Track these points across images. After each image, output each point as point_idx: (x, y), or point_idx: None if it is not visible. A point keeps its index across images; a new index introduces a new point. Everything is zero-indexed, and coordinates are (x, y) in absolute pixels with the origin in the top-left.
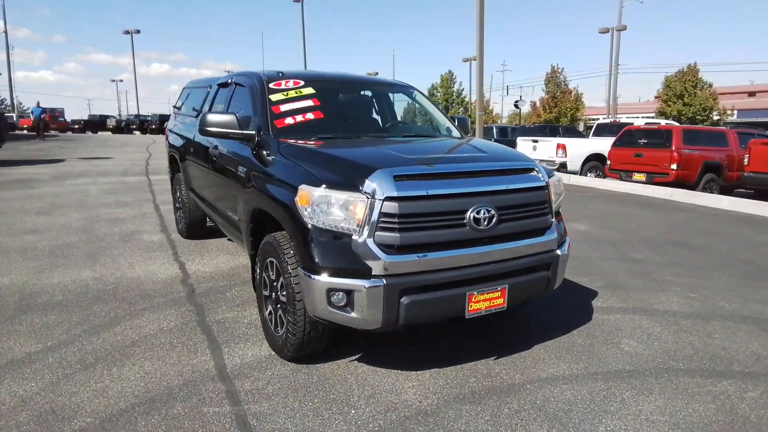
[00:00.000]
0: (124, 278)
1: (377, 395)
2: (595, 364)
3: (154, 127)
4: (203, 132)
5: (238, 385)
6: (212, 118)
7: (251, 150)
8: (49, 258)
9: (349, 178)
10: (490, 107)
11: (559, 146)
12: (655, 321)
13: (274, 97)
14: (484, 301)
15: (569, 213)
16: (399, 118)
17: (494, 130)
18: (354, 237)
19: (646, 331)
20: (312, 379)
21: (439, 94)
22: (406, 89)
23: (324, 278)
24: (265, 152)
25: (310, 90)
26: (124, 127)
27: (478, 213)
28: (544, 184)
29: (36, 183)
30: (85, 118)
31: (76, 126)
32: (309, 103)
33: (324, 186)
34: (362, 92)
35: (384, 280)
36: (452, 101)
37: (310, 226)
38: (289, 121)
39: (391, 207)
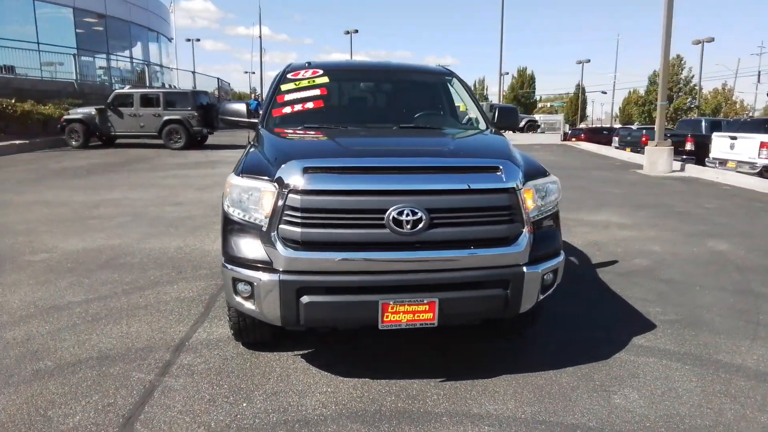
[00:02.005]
0: (197, 249)
1: (283, 393)
2: (555, 412)
3: None
4: (221, 120)
5: (181, 358)
6: (227, 106)
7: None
8: (164, 227)
9: (265, 168)
10: (734, 97)
11: (763, 145)
12: (695, 374)
13: (284, 87)
14: (405, 314)
15: (723, 227)
16: (425, 107)
17: (703, 124)
18: (263, 228)
19: (666, 384)
20: (244, 365)
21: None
22: (440, 77)
23: (231, 268)
24: (254, 140)
25: (324, 79)
26: None
27: (399, 214)
28: (506, 186)
29: (221, 164)
30: None
31: None
32: (315, 92)
33: (242, 175)
34: (386, 81)
35: (281, 275)
36: (678, 89)
37: (227, 214)
38: (286, 110)
39: (296, 200)
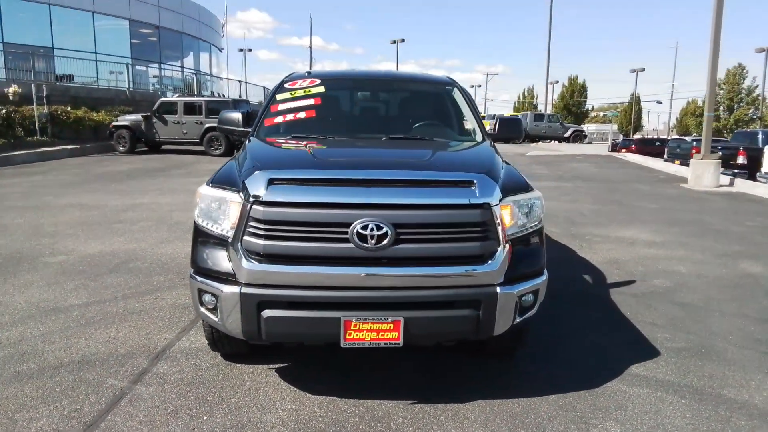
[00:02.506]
0: None
1: (246, 408)
2: None
3: None
4: (218, 129)
5: (157, 366)
6: (224, 115)
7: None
8: (182, 232)
9: (234, 179)
10: None
11: None
12: (690, 409)
13: (279, 97)
14: (368, 332)
15: (760, 248)
16: (421, 118)
17: (759, 136)
18: (229, 240)
19: (654, 419)
20: (216, 377)
21: (722, 91)
22: (440, 87)
23: (198, 278)
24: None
25: (320, 89)
26: None
27: (364, 228)
28: (478, 202)
29: None
30: None
31: None
32: (309, 102)
33: (211, 185)
34: (384, 91)
35: (242, 288)
36: (739, 99)
37: (196, 224)
38: (278, 120)
39: (259, 211)
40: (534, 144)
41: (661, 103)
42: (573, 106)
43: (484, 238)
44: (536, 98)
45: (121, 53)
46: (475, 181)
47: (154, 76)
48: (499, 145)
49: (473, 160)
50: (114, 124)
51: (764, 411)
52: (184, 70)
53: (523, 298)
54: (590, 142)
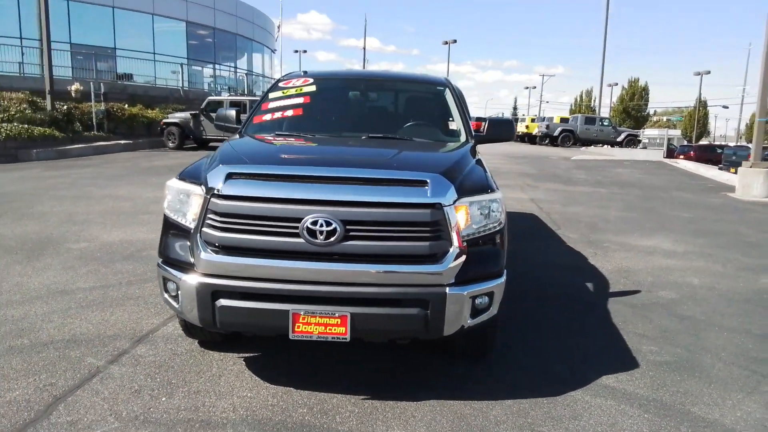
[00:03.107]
0: None
1: (204, 392)
2: None
3: None
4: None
5: (137, 348)
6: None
7: None
8: None
9: (199, 173)
10: None
11: None
12: (649, 424)
13: (272, 95)
14: (316, 326)
15: None
16: (409, 117)
17: None
18: (191, 231)
19: None
20: (187, 362)
21: None
22: (433, 87)
23: (163, 267)
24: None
25: (311, 88)
26: None
27: (313, 224)
28: (429, 202)
29: None
30: None
31: None
32: (298, 100)
33: (179, 178)
34: (376, 90)
35: (199, 277)
36: None
37: (164, 215)
38: (266, 117)
39: (216, 204)
40: (584, 148)
41: (727, 107)
42: (633, 109)
43: (435, 238)
44: (594, 101)
45: (177, 54)
46: (428, 181)
47: (210, 76)
48: (544, 149)
49: (435, 161)
50: (164, 121)
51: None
52: (237, 70)
53: (477, 299)
54: (645, 147)
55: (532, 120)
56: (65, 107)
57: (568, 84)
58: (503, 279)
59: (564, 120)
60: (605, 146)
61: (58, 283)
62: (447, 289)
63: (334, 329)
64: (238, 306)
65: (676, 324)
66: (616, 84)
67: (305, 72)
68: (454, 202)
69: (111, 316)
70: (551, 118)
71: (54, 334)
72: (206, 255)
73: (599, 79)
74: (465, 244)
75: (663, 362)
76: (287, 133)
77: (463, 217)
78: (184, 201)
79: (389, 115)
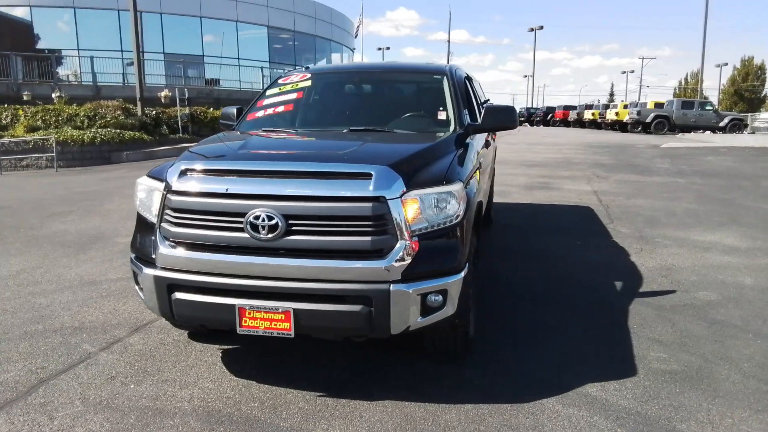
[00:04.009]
0: None
1: (171, 382)
2: None
3: (538, 119)
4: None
5: (131, 337)
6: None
7: None
8: None
9: (164, 170)
10: None
11: None
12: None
13: (269, 92)
14: (262, 320)
15: None
16: (401, 108)
17: None
18: (154, 226)
19: None
20: (169, 352)
21: None
22: (429, 77)
23: (133, 260)
24: None
25: (305, 84)
26: None
27: (256, 218)
28: (372, 195)
29: None
30: None
31: None
32: (291, 96)
33: (147, 175)
34: (372, 84)
35: (157, 271)
36: None
37: (137, 211)
38: (259, 114)
39: (171, 200)
40: (680, 135)
41: None
42: (746, 91)
43: (378, 233)
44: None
45: (260, 58)
46: (373, 174)
47: None
48: (634, 137)
49: (392, 153)
50: None
51: None
52: None
53: (428, 297)
54: (753, 132)
55: (625, 106)
56: (154, 112)
57: (675, 67)
58: (460, 276)
59: (658, 105)
60: (706, 132)
61: (91, 274)
62: (391, 286)
63: (279, 324)
64: (191, 299)
65: (703, 329)
66: (726, 64)
67: (307, 68)
68: (402, 195)
69: (122, 306)
70: (644, 104)
71: (66, 321)
72: (163, 249)
73: (715, 59)
74: (416, 239)
75: (667, 371)
76: (272, 128)
77: (412, 210)
78: (149, 197)
79: (380, 108)
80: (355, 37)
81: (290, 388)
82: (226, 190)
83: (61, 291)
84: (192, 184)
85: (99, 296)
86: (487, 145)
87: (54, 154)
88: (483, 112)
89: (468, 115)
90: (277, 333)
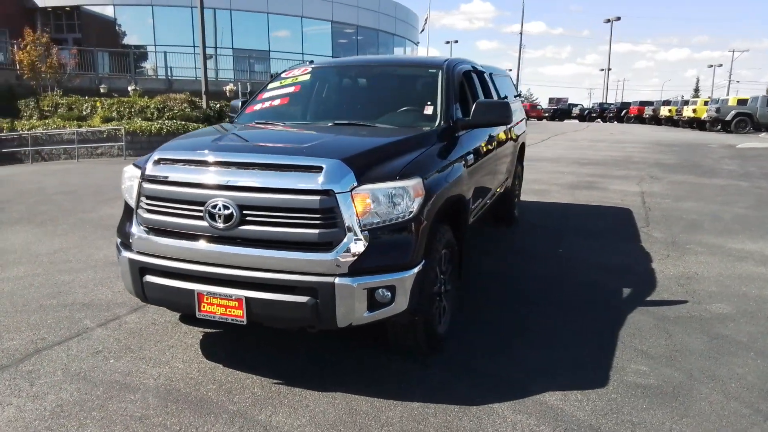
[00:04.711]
0: None
1: (146, 360)
2: None
3: (611, 115)
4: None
5: (129, 316)
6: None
7: None
8: None
9: (145, 159)
10: None
11: None
12: None
13: (270, 86)
14: (218, 306)
15: None
16: (390, 102)
17: None
18: (134, 212)
19: None
20: (157, 332)
21: None
22: (425, 70)
23: (117, 245)
24: None
25: (305, 78)
26: (586, 115)
27: (213, 207)
28: (321, 188)
29: None
30: (555, 107)
31: (546, 114)
32: (289, 90)
33: (132, 164)
34: (368, 78)
35: (132, 254)
36: None
37: (124, 198)
38: (257, 107)
39: (144, 187)
40: (766, 134)
41: None
42: None
43: (326, 226)
44: None
45: (323, 53)
46: (324, 167)
47: None
48: (710, 135)
49: (351, 146)
50: None
51: None
52: None
53: (377, 292)
54: None
55: (705, 102)
56: (218, 105)
57: None
58: (412, 272)
59: (741, 102)
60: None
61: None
62: (336, 279)
63: (233, 311)
64: (157, 283)
65: (701, 343)
66: None
67: (311, 61)
68: (352, 189)
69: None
70: (725, 100)
71: (79, 297)
72: (138, 234)
73: None
74: (366, 233)
75: (641, 385)
76: (263, 121)
77: (363, 205)
78: (131, 185)
79: (371, 102)
80: (422, 31)
81: (251, 374)
82: (189, 179)
83: (85, 270)
84: (162, 172)
85: (116, 276)
86: (496, 141)
87: (123, 144)
88: (474, 107)
89: (460, 111)
90: (231, 320)
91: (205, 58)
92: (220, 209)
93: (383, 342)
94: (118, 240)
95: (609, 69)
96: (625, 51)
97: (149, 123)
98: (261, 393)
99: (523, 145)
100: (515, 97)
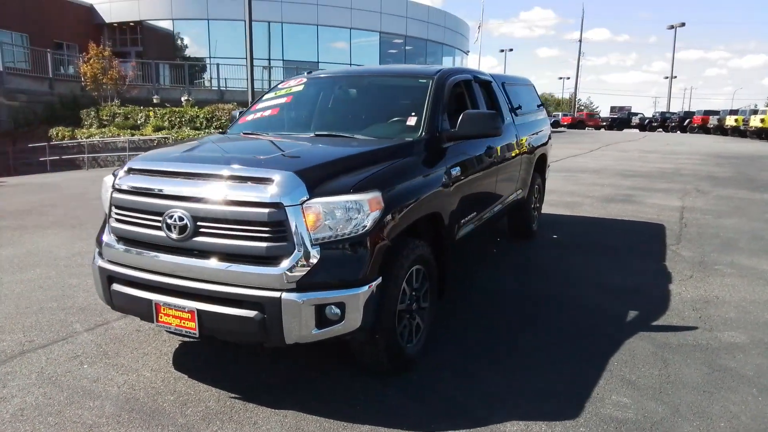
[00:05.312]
0: None
1: (118, 367)
2: None
3: (674, 125)
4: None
5: (118, 321)
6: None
7: None
8: None
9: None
10: None
11: None
12: None
13: (266, 96)
14: (173, 317)
15: None
16: (376, 114)
17: None
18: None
19: None
20: (139, 338)
21: None
22: (416, 81)
23: (95, 254)
24: None
25: (299, 88)
26: (646, 125)
27: (170, 218)
28: (270, 201)
29: None
30: (614, 116)
31: (604, 124)
32: (281, 101)
33: (111, 175)
34: (357, 89)
35: (102, 262)
36: None
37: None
38: (249, 117)
39: (114, 197)
40: None
41: None
42: None
43: (274, 239)
44: None
45: (371, 62)
46: (274, 179)
47: None
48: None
49: (309, 158)
50: None
51: None
52: None
53: (326, 308)
54: None
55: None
56: None
57: None
58: (363, 289)
59: None
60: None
61: None
62: (283, 294)
63: (186, 323)
64: (122, 291)
65: (699, 376)
66: None
67: (310, 72)
68: (303, 202)
69: None
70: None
71: (78, 302)
72: (107, 242)
73: None
74: (317, 248)
75: (617, 419)
76: (250, 132)
77: (313, 219)
78: (106, 194)
79: (356, 113)
80: (475, 40)
81: (213, 387)
82: (150, 189)
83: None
84: (129, 182)
85: None
86: (499, 152)
87: None
88: (460, 118)
89: (447, 122)
90: (185, 331)
91: (252, 69)
92: (175, 220)
93: (349, 359)
94: (96, 249)
95: (674, 77)
96: (695, 58)
97: (196, 132)
98: (215, 407)
99: (543, 156)
100: (538, 107)
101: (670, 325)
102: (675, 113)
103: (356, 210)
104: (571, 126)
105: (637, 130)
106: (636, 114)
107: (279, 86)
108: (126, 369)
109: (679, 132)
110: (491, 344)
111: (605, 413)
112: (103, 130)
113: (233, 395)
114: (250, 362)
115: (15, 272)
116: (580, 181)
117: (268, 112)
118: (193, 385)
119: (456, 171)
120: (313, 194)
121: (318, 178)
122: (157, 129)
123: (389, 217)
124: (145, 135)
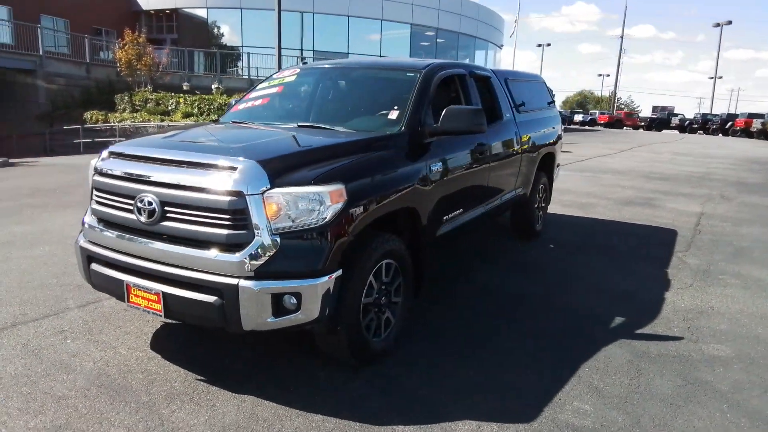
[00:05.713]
0: None
1: (100, 343)
2: None
3: (715, 127)
4: None
5: (107, 300)
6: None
7: None
8: None
9: None
10: None
11: None
12: None
13: (260, 86)
14: (142, 299)
15: None
16: (360, 106)
17: None
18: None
19: None
20: (125, 317)
21: None
22: (403, 74)
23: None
24: None
25: (291, 78)
26: (686, 126)
27: (141, 202)
28: (230, 189)
29: None
30: (653, 116)
31: (642, 124)
32: (273, 91)
33: (96, 158)
34: (345, 80)
35: (83, 242)
36: None
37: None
38: (241, 106)
39: (94, 179)
40: None
41: None
42: None
43: (236, 227)
44: None
45: (401, 54)
46: (237, 168)
47: None
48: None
49: (275, 148)
50: None
51: None
52: None
53: (284, 297)
54: None
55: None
56: None
57: None
58: (321, 280)
59: None
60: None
61: None
62: (240, 282)
63: (153, 305)
64: (98, 271)
65: (670, 388)
66: None
67: (305, 62)
68: (264, 192)
69: None
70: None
71: (76, 279)
72: (88, 223)
73: None
74: (276, 237)
75: (572, 426)
76: (238, 121)
77: (274, 208)
78: (89, 177)
79: (344, 104)
80: (511, 34)
81: (182, 368)
82: (125, 173)
83: None
84: (108, 166)
85: None
86: (492, 150)
87: None
88: (442, 115)
89: (431, 117)
90: (153, 312)
91: (280, 58)
92: (145, 204)
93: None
94: (80, 229)
95: (720, 77)
96: (746, 58)
97: None
98: (179, 387)
99: (550, 155)
100: (548, 104)
101: (654, 334)
102: (717, 115)
103: (317, 201)
104: (608, 125)
105: (676, 132)
106: (676, 115)
107: (273, 76)
108: (105, 346)
109: (720, 135)
110: (468, 341)
111: (562, 419)
112: (135, 115)
113: (199, 377)
114: (222, 347)
115: (25, 248)
116: (600, 182)
117: (259, 102)
118: (163, 365)
119: (437, 167)
120: (274, 184)
121: (281, 169)
122: (186, 115)
123: (354, 209)
124: (174, 121)
